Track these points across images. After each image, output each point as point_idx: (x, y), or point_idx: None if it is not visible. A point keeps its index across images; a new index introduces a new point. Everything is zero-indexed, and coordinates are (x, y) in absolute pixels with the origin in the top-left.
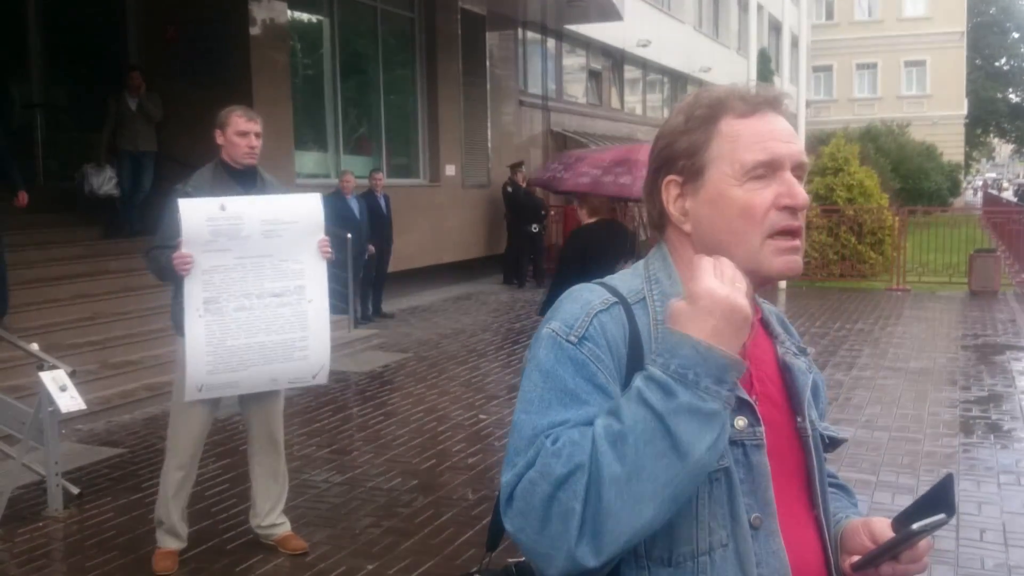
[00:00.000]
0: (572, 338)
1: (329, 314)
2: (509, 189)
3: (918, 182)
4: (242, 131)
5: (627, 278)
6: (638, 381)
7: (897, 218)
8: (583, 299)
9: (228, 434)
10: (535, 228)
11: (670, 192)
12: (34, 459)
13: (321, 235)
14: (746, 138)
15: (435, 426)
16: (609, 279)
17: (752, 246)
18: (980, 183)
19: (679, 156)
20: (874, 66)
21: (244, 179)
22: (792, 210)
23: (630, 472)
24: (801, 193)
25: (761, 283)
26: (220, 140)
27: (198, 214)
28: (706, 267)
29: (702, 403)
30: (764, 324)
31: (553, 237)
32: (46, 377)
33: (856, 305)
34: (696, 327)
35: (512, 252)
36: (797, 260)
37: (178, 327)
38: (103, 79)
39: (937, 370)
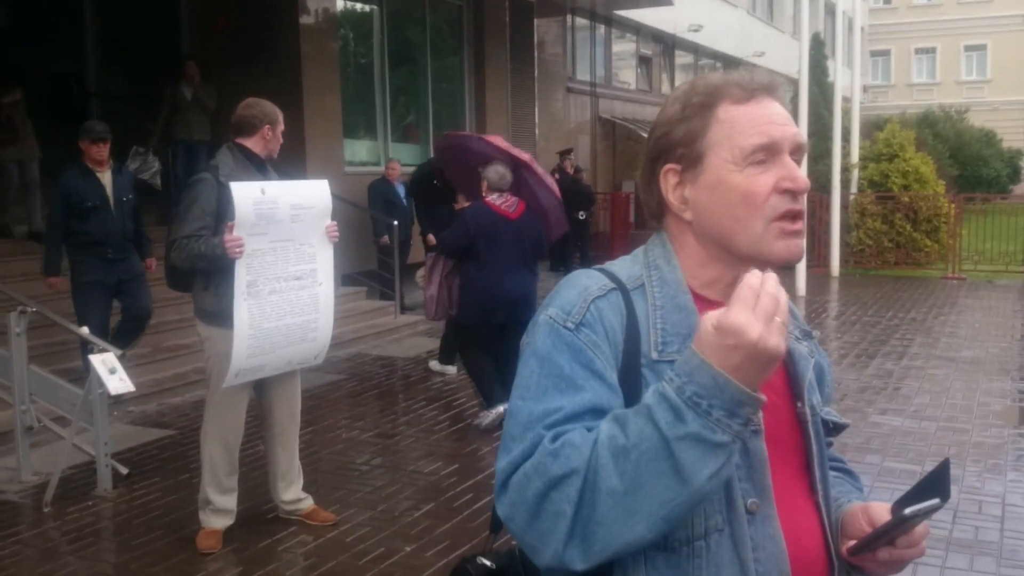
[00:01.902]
0: (569, 324)
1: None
2: (557, 176)
3: (976, 169)
4: (283, 130)
5: (626, 264)
6: (650, 398)
7: (953, 205)
8: (581, 285)
9: None
10: (582, 215)
11: (668, 181)
12: (84, 440)
13: (329, 219)
14: (744, 123)
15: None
16: (608, 265)
17: (755, 231)
18: None
19: (677, 144)
20: (933, 50)
21: (260, 166)
22: (793, 194)
23: (627, 487)
24: (801, 177)
25: (763, 268)
26: (268, 135)
27: (246, 197)
28: (745, 298)
29: (711, 434)
30: None
31: (600, 224)
32: (96, 360)
33: (910, 294)
34: (719, 358)
35: (559, 239)
36: (800, 244)
37: (219, 316)
38: (158, 68)
39: (990, 360)
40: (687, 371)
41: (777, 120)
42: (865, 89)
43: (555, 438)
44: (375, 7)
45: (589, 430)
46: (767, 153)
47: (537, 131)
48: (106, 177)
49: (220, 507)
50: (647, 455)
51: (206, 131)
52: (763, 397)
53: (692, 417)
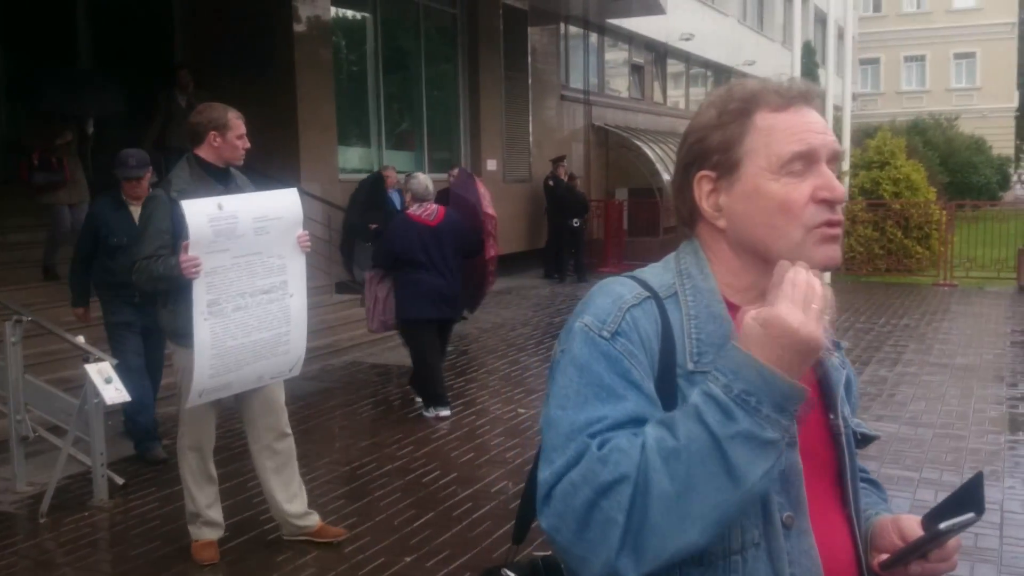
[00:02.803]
0: (605, 333)
1: (306, 307)
2: (551, 183)
3: (967, 176)
4: (241, 134)
5: (658, 272)
6: (697, 398)
7: (944, 212)
8: (615, 293)
9: None
10: (576, 223)
11: (703, 188)
12: (80, 450)
13: (300, 229)
14: (781, 131)
15: (474, 419)
16: (639, 272)
17: (794, 239)
18: None
19: (713, 151)
20: (922, 58)
21: (221, 176)
22: (830, 203)
23: (680, 490)
24: (839, 186)
25: None
26: (216, 142)
27: (201, 215)
28: (784, 289)
29: (761, 431)
30: None
31: (594, 232)
32: (91, 369)
33: (902, 300)
34: (763, 352)
35: (553, 246)
36: (838, 250)
37: (175, 335)
38: (150, 76)
39: (984, 366)
40: (732, 368)
41: (815, 128)
42: (855, 97)
43: (602, 445)
44: (368, 15)
45: (634, 435)
46: (804, 162)
47: (531, 138)
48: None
49: (208, 519)
50: (698, 456)
51: None
52: (807, 388)
53: (742, 415)
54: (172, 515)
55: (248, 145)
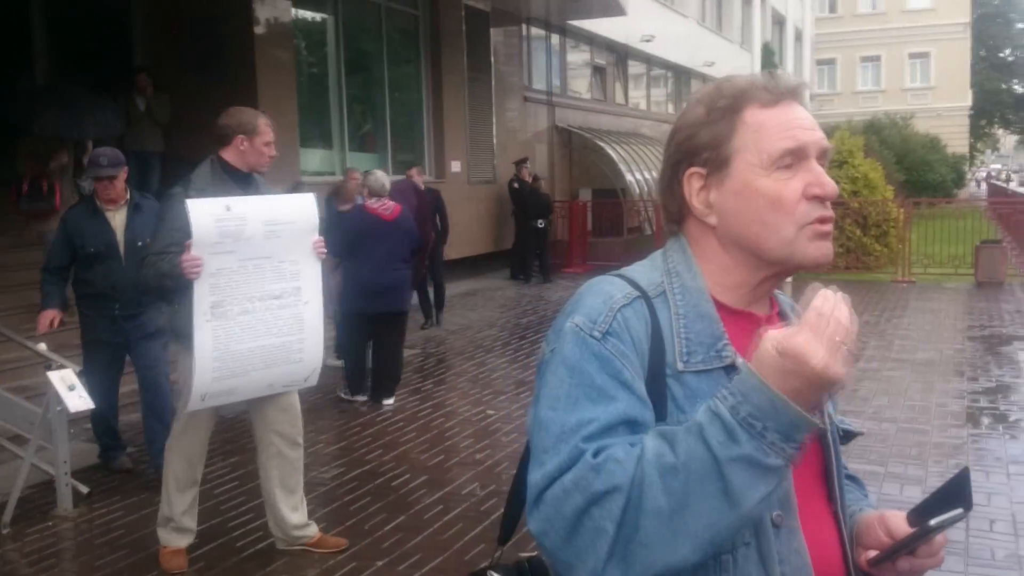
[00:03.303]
0: (596, 333)
1: (322, 315)
2: (515, 185)
3: (922, 174)
4: (269, 141)
5: (646, 270)
6: (702, 416)
7: (902, 210)
8: (605, 292)
9: (236, 432)
10: (541, 224)
11: (692, 185)
12: (43, 459)
13: (316, 235)
14: (771, 127)
15: (443, 422)
16: (627, 271)
17: (786, 235)
18: (983, 175)
19: (702, 148)
20: (878, 59)
21: (243, 180)
22: (822, 200)
23: (674, 507)
24: (829, 182)
25: (791, 271)
26: (243, 146)
27: (206, 215)
28: (810, 319)
29: (764, 457)
30: (781, 317)
31: (559, 233)
32: (54, 377)
33: (861, 297)
34: (777, 379)
35: (518, 248)
36: (830, 246)
37: (180, 335)
38: (109, 79)
39: (944, 361)
40: (743, 391)
41: (804, 124)
42: (813, 98)
43: (597, 452)
44: (330, 16)
45: (632, 445)
46: (794, 157)
47: (495, 140)
48: (118, 217)
49: (181, 525)
50: (696, 475)
51: (159, 142)
52: (819, 422)
53: (746, 439)
54: (138, 524)
55: (275, 153)
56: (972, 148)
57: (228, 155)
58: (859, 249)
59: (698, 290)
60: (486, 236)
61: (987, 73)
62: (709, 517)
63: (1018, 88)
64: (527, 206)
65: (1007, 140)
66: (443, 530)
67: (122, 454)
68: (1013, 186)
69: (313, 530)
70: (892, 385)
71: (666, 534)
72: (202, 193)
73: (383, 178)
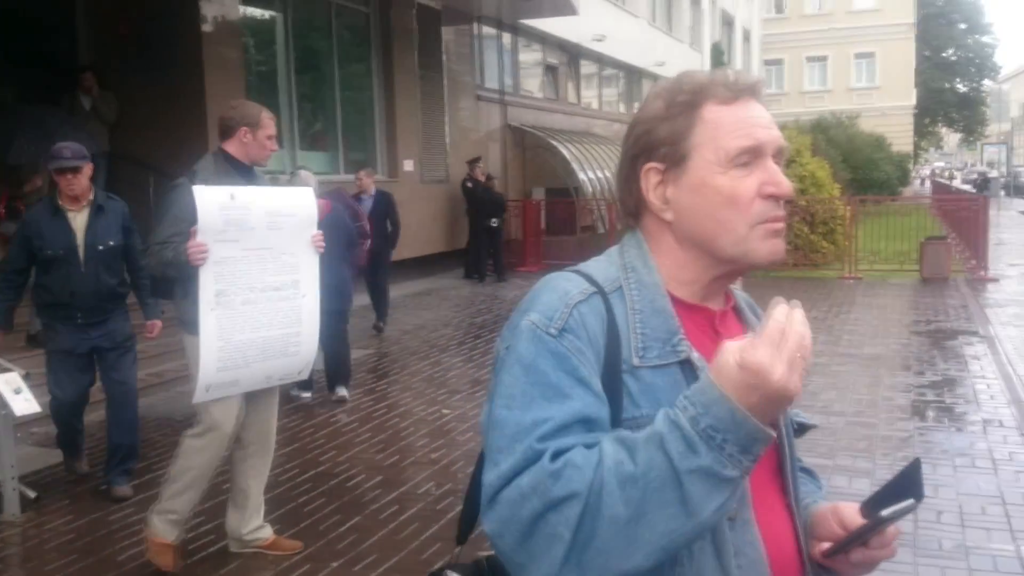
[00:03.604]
0: (552, 330)
1: (318, 309)
2: (469, 184)
3: (868, 172)
4: (271, 134)
5: (602, 265)
6: (662, 425)
7: (848, 208)
8: (561, 288)
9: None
10: (494, 223)
11: (650, 180)
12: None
13: (314, 229)
14: (729, 125)
15: (397, 422)
16: (584, 266)
17: (739, 234)
18: (928, 172)
19: (660, 143)
20: (824, 59)
21: (245, 173)
22: (776, 199)
23: (631, 516)
24: (785, 181)
25: (745, 269)
26: (246, 138)
27: (212, 202)
28: (771, 335)
29: (722, 468)
30: (737, 311)
31: (513, 232)
32: None
33: (809, 294)
34: (738, 393)
35: (472, 247)
36: (782, 244)
37: (186, 322)
38: (54, 79)
39: (891, 356)
40: (704, 402)
41: (762, 123)
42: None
43: (554, 456)
44: (278, 14)
45: (588, 447)
46: (751, 156)
47: (448, 139)
48: (79, 218)
49: (182, 518)
50: (655, 485)
51: (104, 142)
52: (774, 433)
53: (705, 451)
54: (88, 528)
55: (276, 148)
56: (917, 146)
57: (231, 147)
58: (807, 246)
59: (654, 285)
60: (439, 235)
61: (931, 73)
62: (666, 526)
63: (961, 87)
64: (480, 205)
65: (951, 138)
66: (399, 530)
67: (82, 458)
68: (956, 183)
69: (268, 532)
70: (840, 380)
71: (622, 542)
72: (206, 184)
73: (308, 178)
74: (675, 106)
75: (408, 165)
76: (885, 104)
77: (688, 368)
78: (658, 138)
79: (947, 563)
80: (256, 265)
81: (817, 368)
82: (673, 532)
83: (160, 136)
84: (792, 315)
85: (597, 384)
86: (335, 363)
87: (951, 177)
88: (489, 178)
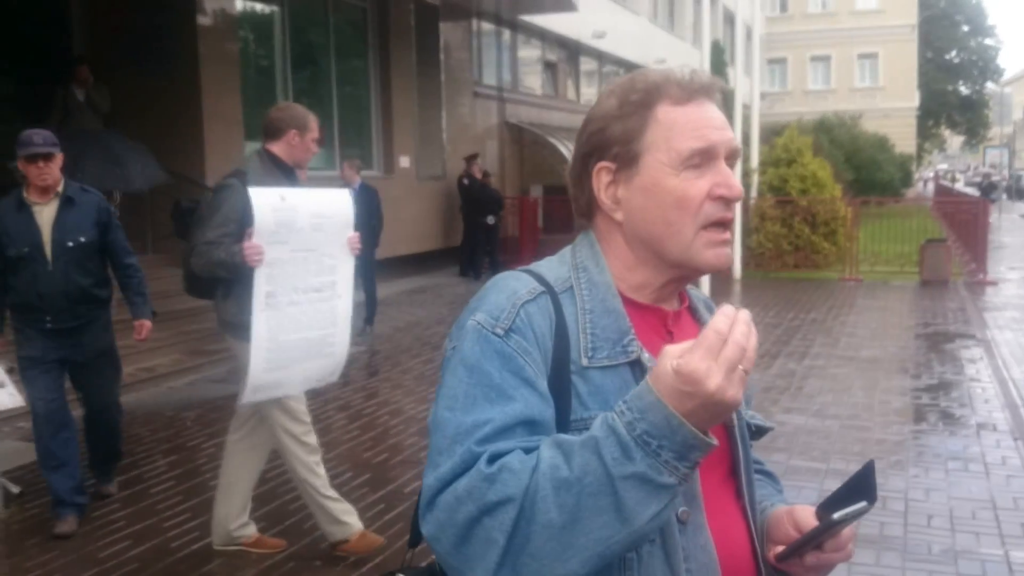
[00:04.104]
0: (499, 330)
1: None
2: (465, 181)
3: (871, 173)
4: (316, 138)
5: (554, 265)
6: (598, 430)
7: (850, 209)
8: (509, 288)
9: (175, 430)
10: (491, 220)
11: (601, 179)
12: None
13: (351, 231)
14: (682, 126)
15: (388, 420)
16: (535, 266)
17: (685, 238)
18: (931, 175)
19: (612, 142)
20: (828, 58)
21: (289, 174)
22: (727, 201)
23: (566, 521)
24: (736, 184)
25: (693, 275)
26: (294, 141)
27: (266, 204)
28: (710, 343)
29: (657, 475)
30: (692, 311)
31: (509, 229)
32: None
33: (809, 295)
34: (674, 400)
35: (468, 244)
36: (728, 252)
37: (234, 325)
38: (48, 69)
39: (888, 358)
40: (640, 407)
41: (715, 124)
42: (763, 96)
43: (491, 460)
44: (276, 8)
45: (527, 451)
46: (703, 157)
47: (445, 135)
48: (46, 212)
49: (343, 508)
50: (589, 489)
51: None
52: (715, 441)
53: (640, 456)
54: None
55: (318, 150)
56: (920, 148)
57: (277, 148)
58: (808, 247)
59: (605, 285)
60: (435, 232)
61: (933, 74)
62: (600, 532)
63: (963, 89)
64: (477, 202)
65: (953, 141)
66: (384, 529)
67: (69, 513)
68: (959, 186)
69: (251, 530)
70: (837, 382)
71: (556, 547)
72: (259, 184)
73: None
74: (628, 105)
75: (404, 162)
76: (888, 105)
77: (639, 369)
78: (611, 137)
79: (936, 567)
80: (301, 266)
81: (814, 371)
82: (608, 539)
83: (155, 129)
84: (735, 322)
85: (543, 385)
86: None
87: (953, 180)
88: (486, 175)
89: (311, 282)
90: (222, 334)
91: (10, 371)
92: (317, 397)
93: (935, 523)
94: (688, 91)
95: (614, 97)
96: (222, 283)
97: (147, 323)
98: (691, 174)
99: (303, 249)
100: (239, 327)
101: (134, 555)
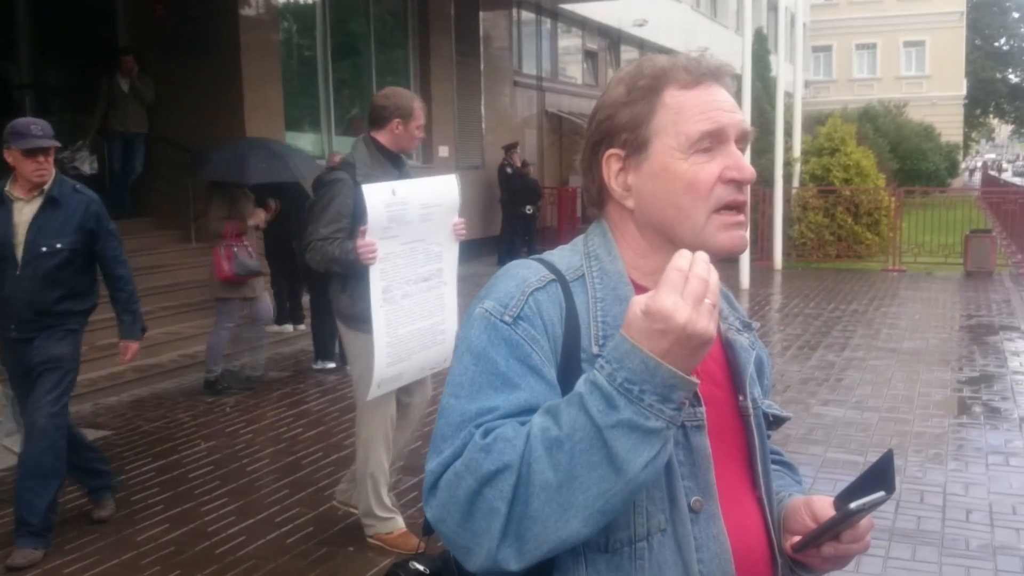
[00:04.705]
0: (507, 318)
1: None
2: (508, 170)
3: (916, 163)
4: (421, 124)
5: (566, 254)
6: (581, 387)
7: (893, 199)
8: (519, 276)
9: (215, 415)
10: (529, 210)
11: (611, 166)
12: (15, 441)
13: (456, 216)
14: (690, 109)
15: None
16: (547, 254)
17: (697, 222)
18: (979, 164)
19: (621, 129)
20: (873, 46)
21: (396, 162)
22: (738, 184)
23: (562, 480)
24: (747, 166)
25: None
26: (398, 129)
27: (378, 200)
28: (672, 280)
29: (644, 420)
30: None
31: (548, 219)
32: None
33: (851, 286)
34: (649, 343)
35: (507, 234)
36: (743, 235)
37: (355, 320)
38: (93, 60)
39: (930, 350)
40: (617, 357)
41: (724, 107)
42: (807, 84)
43: (486, 433)
44: None
45: (522, 424)
46: (713, 140)
47: (484, 125)
48: (26, 210)
49: (391, 508)
50: (580, 445)
51: (143, 123)
52: (695, 380)
53: (624, 404)
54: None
55: (423, 136)
56: (967, 137)
57: (382, 136)
58: (850, 237)
59: (617, 273)
60: (473, 222)
61: (982, 62)
62: (597, 486)
63: (1013, 78)
64: (516, 192)
65: (1002, 130)
66: (416, 516)
67: (39, 544)
68: (1006, 176)
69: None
70: (877, 374)
71: (556, 508)
72: (368, 177)
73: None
74: (636, 91)
75: (443, 151)
76: (934, 93)
77: None
78: (619, 124)
79: (974, 563)
80: (410, 258)
81: (854, 362)
82: (606, 493)
83: (197, 119)
84: (695, 260)
85: (551, 373)
86: None
87: (1000, 169)
88: (525, 164)
89: (419, 272)
90: (339, 325)
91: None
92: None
93: (974, 518)
94: (695, 75)
95: (622, 84)
96: (337, 277)
97: (133, 346)
98: (701, 158)
99: (412, 240)
100: (354, 318)
101: (171, 539)
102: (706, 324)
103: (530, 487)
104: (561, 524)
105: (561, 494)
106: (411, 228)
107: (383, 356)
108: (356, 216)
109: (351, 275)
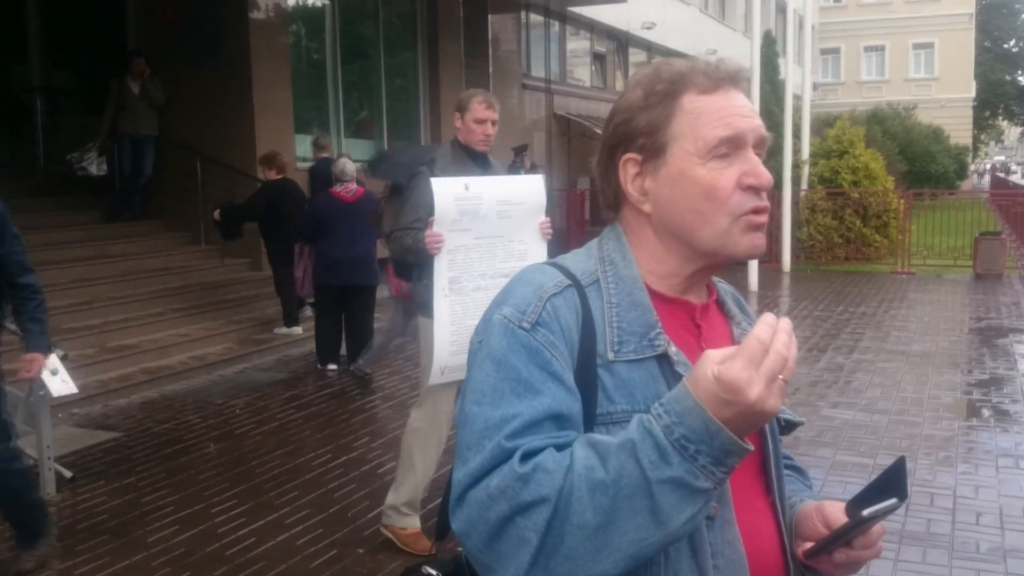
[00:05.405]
0: (525, 324)
1: None
2: (522, 172)
3: (925, 165)
4: (480, 119)
5: (580, 258)
6: (635, 432)
7: (902, 201)
8: (536, 282)
9: (225, 416)
10: None
11: (628, 171)
12: (27, 443)
13: (542, 216)
14: (709, 114)
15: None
16: (562, 259)
17: (719, 227)
18: (988, 166)
19: (639, 133)
20: (882, 48)
21: (480, 160)
22: (757, 190)
23: (600, 523)
24: (765, 173)
25: (723, 264)
26: (457, 123)
27: (448, 193)
28: (752, 352)
29: (694, 480)
30: (719, 304)
31: (556, 222)
32: None
33: (860, 288)
34: (713, 405)
35: None
36: (763, 239)
37: (423, 305)
38: (104, 62)
39: (939, 353)
40: (679, 411)
41: (742, 112)
42: (815, 87)
43: (524, 458)
44: (327, 2)
45: (558, 448)
46: (731, 146)
47: None
48: None
49: (412, 511)
50: (625, 492)
51: (153, 126)
52: (751, 447)
53: (678, 461)
54: (121, 509)
55: (490, 131)
56: (976, 140)
57: (460, 135)
58: (859, 240)
59: (632, 279)
60: None
61: (991, 64)
62: (635, 534)
63: (1022, 80)
64: None
65: (1011, 132)
66: (427, 518)
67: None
68: (1015, 178)
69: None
70: (886, 377)
71: (590, 548)
72: (444, 173)
73: (343, 164)
74: (654, 95)
75: None
76: (943, 96)
77: (665, 363)
78: (637, 128)
79: (984, 566)
80: (487, 252)
81: (863, 365)
82: (642, 541)
83: (207, 121)
84: (777, 332)
85: (570, 378)
86: (363, 337)
87: (1009, 171)
88: (533, 167)
89: (499, 267)
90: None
91: (63, 357)
92: (364, 388)
93: (984, 521)
94: (714, 80)
95: (640, 88)
96: (416, 266)
97: (39, 357)
98: (718, 164)
99: (489, 236)
100: (426, 306)
101: (181, 540)
102: (775, 403)
103: (566, 524)
104: (592, 564)
105: (598, 536)
106: (487, 223)
107: (445, 344)
108: (433, 208)
109: (426, 265)
